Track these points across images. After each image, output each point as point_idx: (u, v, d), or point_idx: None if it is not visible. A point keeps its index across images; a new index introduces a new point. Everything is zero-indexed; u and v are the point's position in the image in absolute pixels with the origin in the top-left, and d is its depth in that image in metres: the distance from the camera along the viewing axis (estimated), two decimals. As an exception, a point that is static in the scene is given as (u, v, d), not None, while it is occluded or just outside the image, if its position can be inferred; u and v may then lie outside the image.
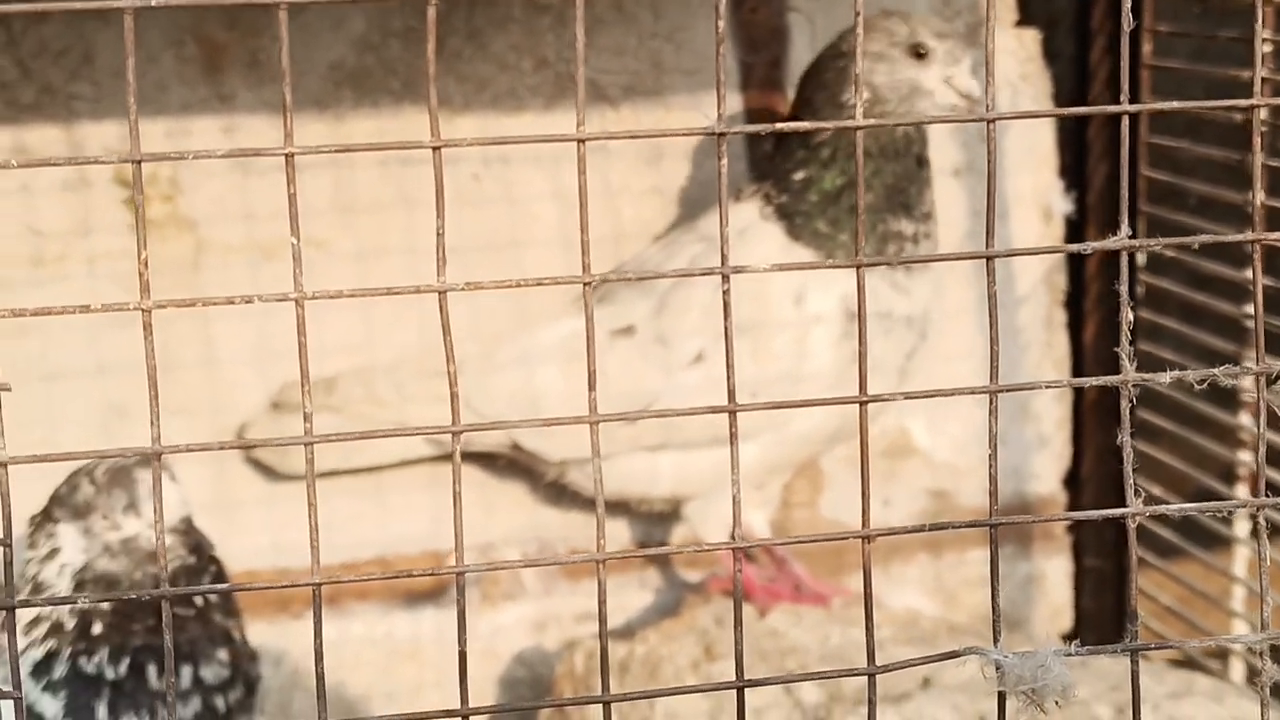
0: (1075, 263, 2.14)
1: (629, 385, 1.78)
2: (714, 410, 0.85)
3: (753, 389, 1.74)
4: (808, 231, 1.78)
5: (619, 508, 2.00)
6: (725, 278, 0.82)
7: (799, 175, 1.78)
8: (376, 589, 2.03)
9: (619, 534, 2.06)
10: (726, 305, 0.82)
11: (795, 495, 2.07)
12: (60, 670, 1.41)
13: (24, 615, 1.41)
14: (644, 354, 1.79)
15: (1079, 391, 2.15)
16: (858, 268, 0.86)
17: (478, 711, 0.83)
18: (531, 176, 2.01)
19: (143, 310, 0.78)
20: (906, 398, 0.87)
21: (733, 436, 0.85)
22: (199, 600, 1.42)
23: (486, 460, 1.98)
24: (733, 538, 0.84)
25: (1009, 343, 2.11)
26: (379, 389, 1.88)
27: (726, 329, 0.84)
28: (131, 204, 1.98)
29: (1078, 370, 2.15)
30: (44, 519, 1.46)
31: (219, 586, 1.13)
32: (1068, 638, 2.13)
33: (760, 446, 1.78)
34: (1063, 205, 2.13)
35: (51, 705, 1.39)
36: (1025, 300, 2.13)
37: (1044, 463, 2.15)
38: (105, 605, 1.40)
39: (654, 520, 2.04)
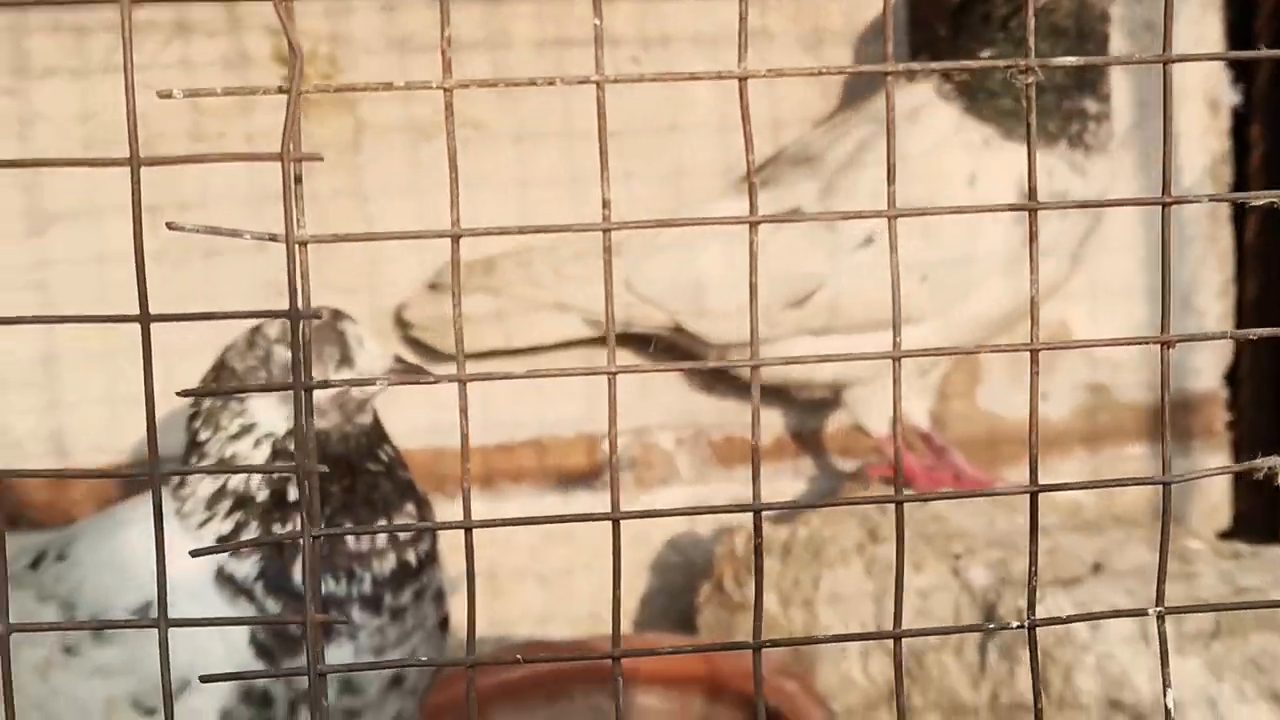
0: (1240, 156, 2.10)
1: (793, 267, 1.77)
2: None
3: (923, 271, 1.72)
4: (990, 107, 1.75)
5: (776, 395, 1.98)
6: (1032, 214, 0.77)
7: (986, 54, 1.76)
8: (531, 470, 2.03)
9: (773, 422, 2.05)
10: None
11: (952, 387, 2.05)
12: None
13: (205, 492, 1.42)
14: (809, 236, 1.77)
15: (1241, 287, 2.12)
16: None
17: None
18: (691, 58, 1.99)
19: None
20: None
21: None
22: (384, 456, 1.42)
23: (645, 343, 1.97)
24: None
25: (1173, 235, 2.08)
26: (537, 270, 1.88)
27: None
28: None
29: (1240, 265, 2.12)
30: (223, 399, 1.45)
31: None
32: (1224, 535, 2.11)
33: (928, 330, 1.76)
34: (1230, 97, 2.08)
35: (241, 568, 1.39)
36: (1190, 190, 2.09)
37: (1205, 358, 2.12)
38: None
39: (810, 409, 2.03)
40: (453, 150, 0.77)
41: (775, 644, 0.83)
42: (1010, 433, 2.06)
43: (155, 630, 0.74)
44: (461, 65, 1.97)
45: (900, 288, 0.85)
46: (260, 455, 1.42)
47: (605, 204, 0.74)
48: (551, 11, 1.97)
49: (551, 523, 0.89)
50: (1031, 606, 0.82)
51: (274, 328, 1.45)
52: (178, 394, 0.78)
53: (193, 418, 1.46)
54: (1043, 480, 2.12)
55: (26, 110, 1.94)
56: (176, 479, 1.43)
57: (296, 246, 0.67)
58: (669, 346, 1.96)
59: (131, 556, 1.40)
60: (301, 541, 0.67)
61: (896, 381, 0.77)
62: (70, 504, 1.95)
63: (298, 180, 0.69)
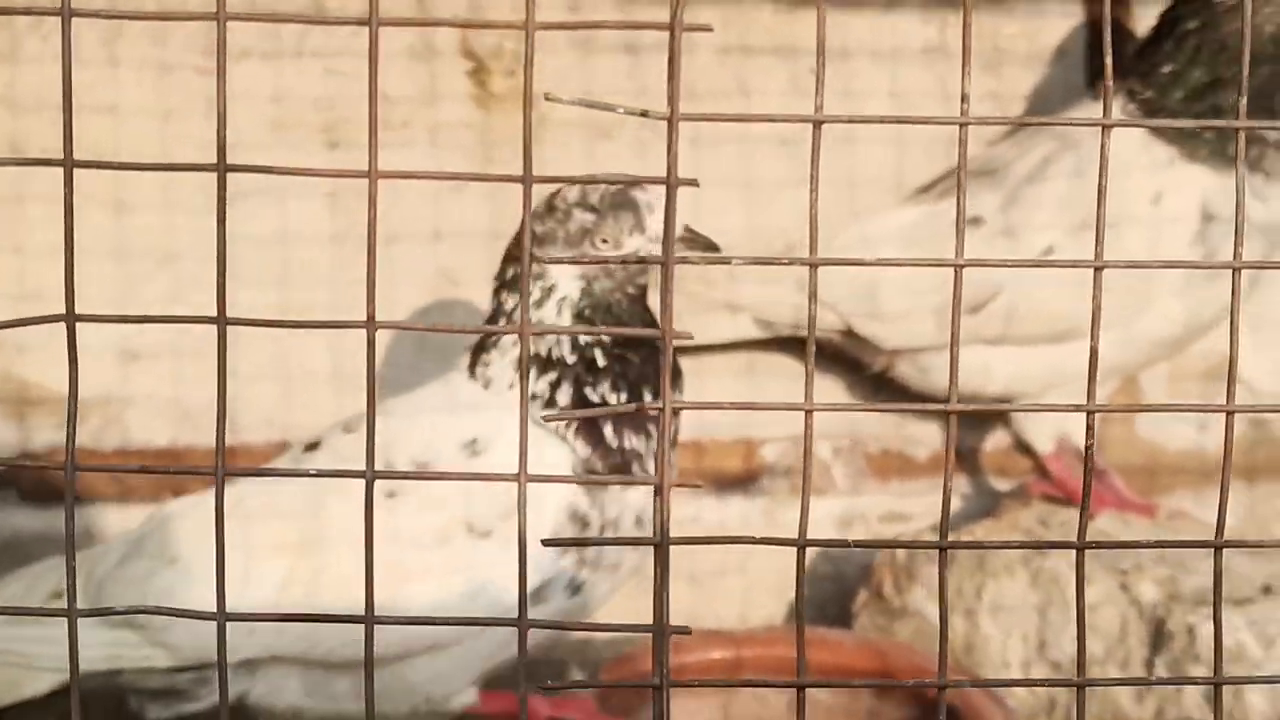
0: None
1: (972, 275, 1.78)
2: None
3: (1105, 284, 1.72)
4: (1173, 128, 1.76)
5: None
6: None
7: (1166, 69, 1.77)
8: (687, 472, 2.04)
9: (930, 437, 2.06)
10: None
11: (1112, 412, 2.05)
12: (564, 398, 1.55)
13: (513, 356, 1.56)
14: (990, 246, 1.78)
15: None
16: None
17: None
18: (870, 72, 2.01)
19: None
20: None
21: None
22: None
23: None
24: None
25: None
26: (710, 268, 1.90)
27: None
28: (476, 76, 2.01)
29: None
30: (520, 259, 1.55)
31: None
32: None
33: (1103, 345, 1.76)
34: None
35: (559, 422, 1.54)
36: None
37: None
38: (605, 337, 1.55)
39: (969, 425, 2.03)
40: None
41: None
42: (1169, 461, 2.06)
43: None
44: (644, 68, 1.99)
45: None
46: (564, 319, 1.55)
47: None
48: (736, 15, 2.00)
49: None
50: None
51: (572, 192, 1.57)
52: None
53: (498, 290, 1.59)
54: (1201, 512, 2.09)
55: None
56: (473, 354, 1.57)
57: (667, 267, 0.69)
58: (833, 354, 1.98)
59: (453, 400, 1.56)
60: (661, 409, 0.70)
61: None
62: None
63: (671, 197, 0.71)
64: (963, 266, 0.74)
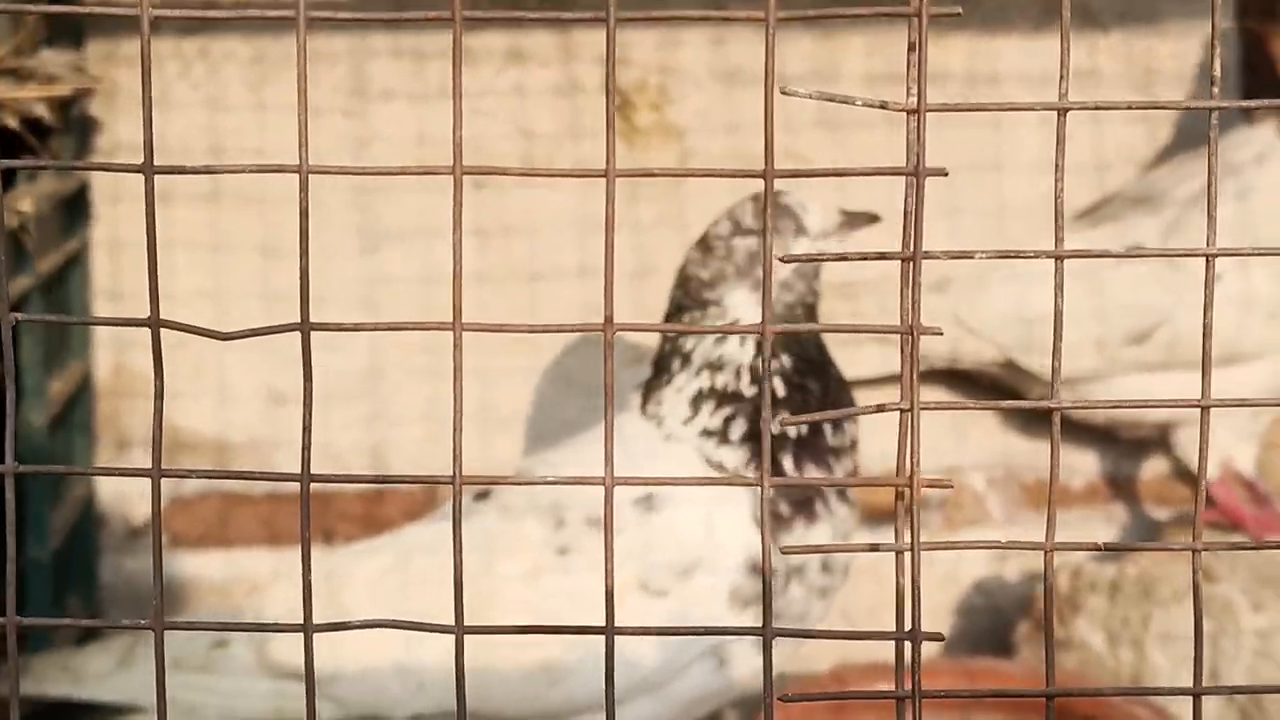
0: None
1: (1136, 303, 1.75)
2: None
3: (1271, 309, 1.70)
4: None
5: (1098, 436, 1.96)
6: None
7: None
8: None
9: (1087, 466, 2.02)
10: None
11: (1274, 434, 2.01)
12: (737, 432, 1.54)
13: (687, 394, 1.56)
14: (1153, 273, 1.76)
15: None
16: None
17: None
18: (1020, 96, 1.99)
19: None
20: None
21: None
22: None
23: (965, 381, 1.96)
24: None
25: None
26: (863, 304, 1.88)
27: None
28: (621, 112, 2.00)
29: None
30: (696, 303, 1.56)
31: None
32: None
33: (1270, 368, 1.74)
34: None
35: (731, 456, 1.53)
36: None
37: None
38: (788, 364, 1.55)
39: (1126, 453, 2.00)
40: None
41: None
42: (1330, 487, 2.01)
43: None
44: (790, 102, 1.98)
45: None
46: (747, 349, 1.55)
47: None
48: (881, 44, 1.98)
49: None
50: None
51: (720, 225, 1.58)
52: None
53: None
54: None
55: (365, 131, 1.99)
56: (644, 393, 1.58)
57: (913, 264, 0.67)
58: (990, 384, 1.95)
59: (626, 447, 1.49)
60: (903, 413, 0.68)
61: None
62: (385, 518, 1.98)
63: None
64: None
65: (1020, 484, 2.03)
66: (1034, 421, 2.00)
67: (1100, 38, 2.00)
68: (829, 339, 1.83)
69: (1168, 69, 2.01)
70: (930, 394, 2.00)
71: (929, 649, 2.01)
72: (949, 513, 2.03)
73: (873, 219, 1.56)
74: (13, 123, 1.69)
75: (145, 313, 0.69)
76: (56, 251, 1.83)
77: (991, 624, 2.01)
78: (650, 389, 1.58)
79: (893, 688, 0.75)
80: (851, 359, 1.90)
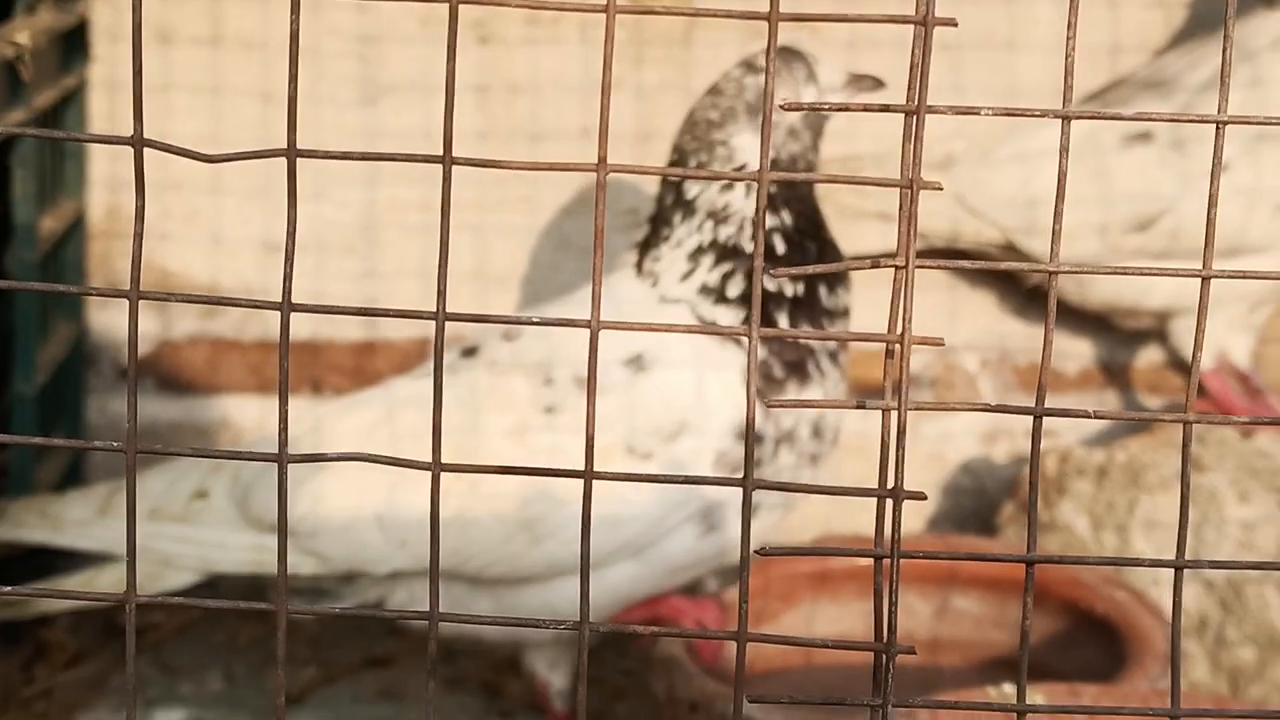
0: None
1: (1141, 190, 1.74)
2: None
3: (1277, 199, 1.68)
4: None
5: (1095, 323, 1.95)
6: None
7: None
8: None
9: (1081, 352, 2.01)
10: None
11: (1273, 330, 2.00)
12: (735, 290, 1.52)
13: (688, 248, 1.54)
14: (1161, 160, 1.74)
15: None
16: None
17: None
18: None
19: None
20: None
21: None
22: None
23: (960, 255, 1.95)
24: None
25: None
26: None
27: None
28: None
29: None
30: (703, 145, 1.54)
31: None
32: None
33: (1273, 260, 1.72)
34: None
35: (726, 316, 1.51)
36: None
37: None
38: (788, 221, 1.53)
39: (1122, 341, 1.99)
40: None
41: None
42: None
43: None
44: None
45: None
46: (751, 200, 1.52)
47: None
48: None
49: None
50: None
51: (735, 68, 1.56)
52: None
53: (673, 181, 1.57)
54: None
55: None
56: (641, 249, 1.55)
57: (917, 117, 0.66)
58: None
59: (618, 306, 1.48)
60: (898, 269, 0.67)
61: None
62: (375, 371, 1.97)
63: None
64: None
65: (1013, 366, 2.02)
66: (1029, 305, 1.99)
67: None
68: (832, 215, 1.81)
69: (1185, -46, 1.98)
70: (928, 273, 1.98)
71: (912, 523, 2.02)
72: (940, 393, 2.02)
73: (878, 83, 1.54)
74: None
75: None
76: (53, 87, 1.81)
77: (976, 505, 2.00)
78: (648, 245, 1.56)
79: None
80: (856, 234, 1.89)
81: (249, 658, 1.82)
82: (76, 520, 1.59)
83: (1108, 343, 2.00)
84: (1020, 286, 1.94)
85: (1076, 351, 2.01)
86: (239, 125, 1.95)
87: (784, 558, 1.56)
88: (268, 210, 1.97)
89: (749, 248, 1.51)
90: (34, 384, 1.75)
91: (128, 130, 2.10)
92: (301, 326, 1.98)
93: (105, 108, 1.94)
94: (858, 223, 1.88)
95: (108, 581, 1.58)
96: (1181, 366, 1.94)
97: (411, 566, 1.54)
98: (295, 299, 2.13)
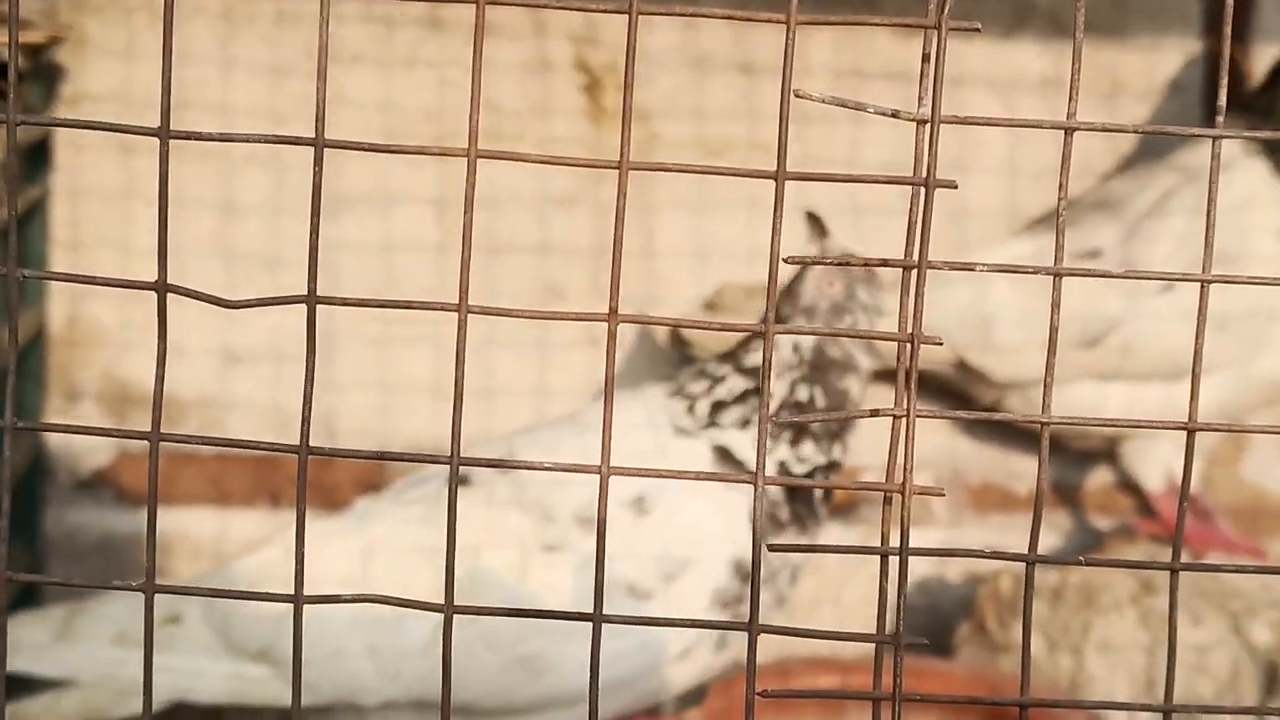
0: None
1: (1090, 309, 1.76)
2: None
3: (1220, 321, 1.71)
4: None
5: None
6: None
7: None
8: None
9: (1030, 472, 2.04)
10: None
11: (1217, 453, 2.03)
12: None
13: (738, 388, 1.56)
14: (1107, 279, 1.76)
15: None
16: None
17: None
18: (985, 102, 2.00)
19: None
20: None
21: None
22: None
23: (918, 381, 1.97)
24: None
25: None
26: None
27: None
28: (589, 92, 2.00)
29: None
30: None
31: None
32: None
33: (1220, 381, 1.75)
34: None
35: (747, 439, 1.55)
36: None
37: None
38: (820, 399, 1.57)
39: (1072, 462, 2.01)
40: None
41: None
42: (1275, 506, 2.04)
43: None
44: (761, 91, 1.98)
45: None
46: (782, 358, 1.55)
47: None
48: (849, 42, 1.99)
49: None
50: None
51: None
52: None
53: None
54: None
55: (330, 94, 1.97)
56: (671, 386, 1.58)
57: (917, 272, 0.68)
58: (939, 386, 1.96)
59: (623, 440, 1.48)
60: (897, 419, 0.68)
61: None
62: (333, 483, 1.97)
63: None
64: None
65: (966, 486, 2.04)
66: (979, 424, 2.01)
67: (1066, 46, 2.00)
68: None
69: (1133, 82, 2.02)
70: (878, 391, 2.00)
71: (862, 647, 2.03)
72: (896, 511, 2.04)
73: (823, 230, 1.59)
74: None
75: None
76: (20, 200, 1.81)
77: (929, 623, 2.02)
78: (694, 380, 1.59)
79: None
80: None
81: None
82: (34, 644, 1.54)
83: (1058, 463, 2.02)
84: (973, 406, 1.97)
85: (1028, 471, 2.03)
86: (198, 236, 1.96)
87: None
88: (226, 320, 1.97)
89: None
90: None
91: (90, 240, 2.09)
92: (261, 438, 1.98)
93: (67, 214, 1.95)
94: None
95: (69, 706, 1.55)
96: (1130, 487, 1.96)
97: (403, 697, 1.52)
98: (255, 409, 2.12)
